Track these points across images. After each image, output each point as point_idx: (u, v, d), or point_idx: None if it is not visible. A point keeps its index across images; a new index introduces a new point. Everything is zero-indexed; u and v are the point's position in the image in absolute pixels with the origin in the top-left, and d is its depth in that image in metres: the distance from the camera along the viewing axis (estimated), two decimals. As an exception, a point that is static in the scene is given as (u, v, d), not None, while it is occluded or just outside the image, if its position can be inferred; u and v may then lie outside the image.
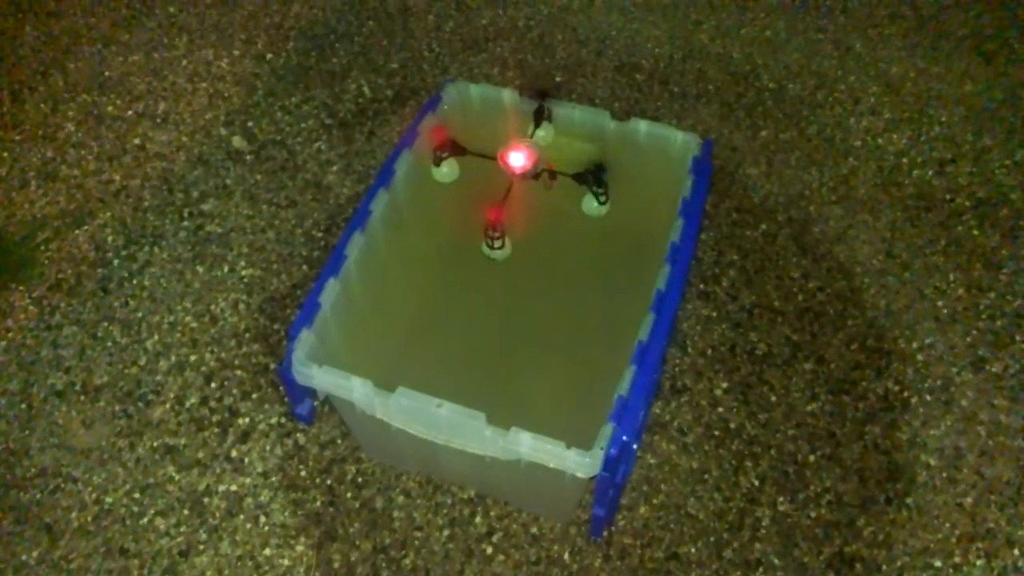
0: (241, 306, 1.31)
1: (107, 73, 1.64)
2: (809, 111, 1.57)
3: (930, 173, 1.47)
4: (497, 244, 1.16)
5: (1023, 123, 1.54)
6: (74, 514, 1.12)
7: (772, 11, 1.75)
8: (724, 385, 1.22)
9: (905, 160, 1.49)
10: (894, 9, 1.75)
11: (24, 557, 1.09)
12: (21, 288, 1.33)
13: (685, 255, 1.08)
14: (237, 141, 1.52)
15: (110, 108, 1.58)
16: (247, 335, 1.28)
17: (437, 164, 1.21)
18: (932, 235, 1.39)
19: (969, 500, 1.12)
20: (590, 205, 1.23)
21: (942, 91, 1.60)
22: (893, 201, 1.44)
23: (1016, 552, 1.08)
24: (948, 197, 1.44)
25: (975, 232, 1.40)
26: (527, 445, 0.92)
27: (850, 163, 1.49)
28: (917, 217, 1.42)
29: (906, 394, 1.21)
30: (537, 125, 1.22)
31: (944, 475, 1.14)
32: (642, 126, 1.20)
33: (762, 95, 1.60)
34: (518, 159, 1.17)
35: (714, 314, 1.30)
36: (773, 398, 1.21)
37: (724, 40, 1.70)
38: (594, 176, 1.21)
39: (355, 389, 0.95)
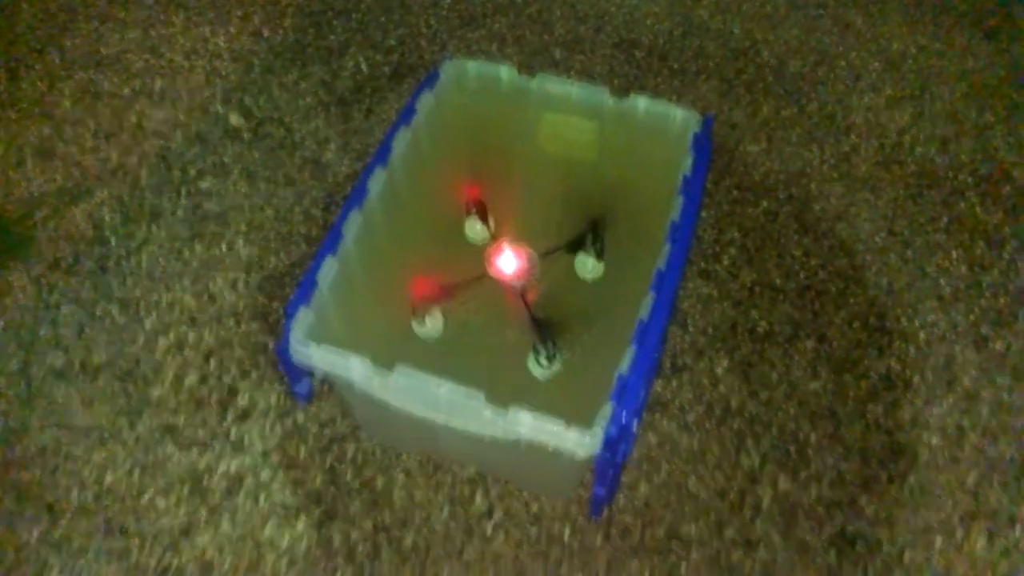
0: (240, 285, 1.30)
1: (104, 50, 1.62)
2: (810, 88, 1.56)
3: (932, 150, 1.46)
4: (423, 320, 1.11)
5: (1026, 100, 1.53)
6: (74, 493, 1.12)
7: (774, -14, 1.73)
8: (725, 364, 1.22)
9: (907, 137, 1.48)
10: (897, -16, 1.73)
11: (25, 536, 1.09)
12: (19, 267, 1.33)
13: (685, 234, 1.07)
14: (234, 118, 1.51)
15: (107, 85, 1.56)
16: (246, 313, 1.27)
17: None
18: (934, 212, 1.39)
19: (971, 479, 1.12)
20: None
21: (944, 68, 1.58)
22: (895, 178, 1.43)
23: (1018, 530, 1.08)
24: (950, 174, 1.43)
25: (977, 210, 1.39)
26: (527, 425, 0.91)
27: (851, 140, 1.48)
28: (919, 194, 1.41)
29: (908, 373, 1.21)
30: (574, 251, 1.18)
31: (946, 454, 1.14)
32: (641, 102, 1.18)
33: (762, 71, 1.58)
34: (509, 263, 1.10)
35: (715, 293, 1.29)
36: (774, 377, 1.21)
37: (724, 16, 1.68)
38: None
39: (353, 368, 0.95)
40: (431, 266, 1.15)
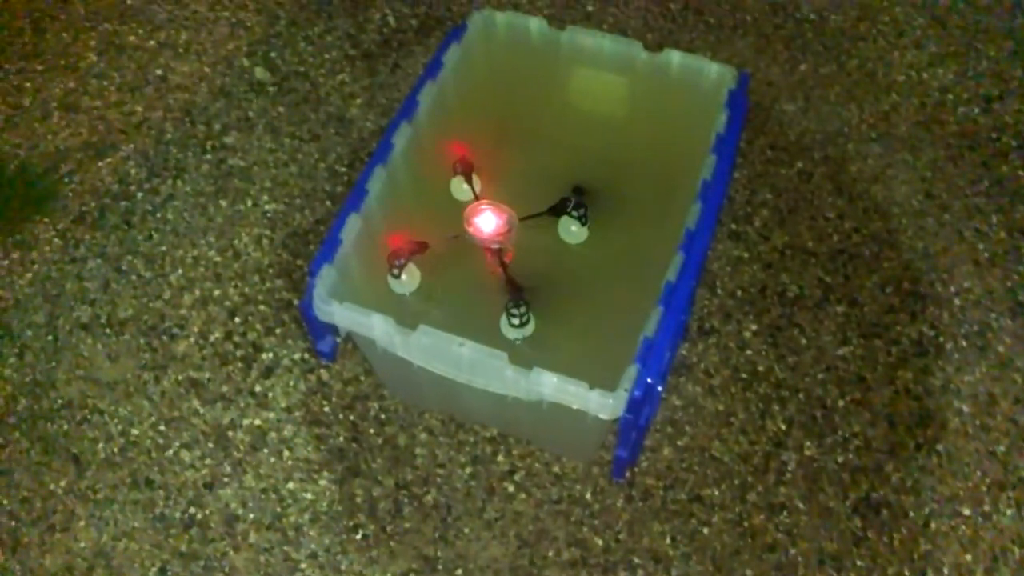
0: (264, 241, 1.30)
1: (128, 1, 1.60)
2: (850, 44, 1.51)
3: (975, 110, 1.41)
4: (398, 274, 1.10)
5: (1076, 58, 1.47)
6: (100, 445, 1.13)
7: (814, -63, 1.67)
8: (753, 327, 1.20)
9: (950, 96, 1.43)
10: (944, -65, 1.66)
11: (52, 487, 1.10)
12: (45, 221, 1.33)
13: (717, 193, 1.04)
14: (260, 72, 1.49)
15: (131, 38, 1.55)
16: (270, 270, 1.27)
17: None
18: (974, 175, 1.34)
19: (1001, 448, 1.10)
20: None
21: (990, 24, 1.52)
22: (935, 139, 1.38)
23: (1048, 501, 1.06)
24: (993, 136, 1.38)
25: (1020, 172, 1.34)
26: (549, 386, 0.90)
27: (892, 99, 1.43)
28: (959, 156, 1.36)
29: (940, 339, 1.18)
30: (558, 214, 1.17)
31: (977, 422, 1.12)
32: (675, 57, 1.15)
33: (801, 27, 1.53)
34: (488, 223, 1.09)
35: (745, 255, 1.27)
36: (803, 341, 1.19)
37: (762, -32, 1.62)
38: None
39: (376, 326, 0.94)
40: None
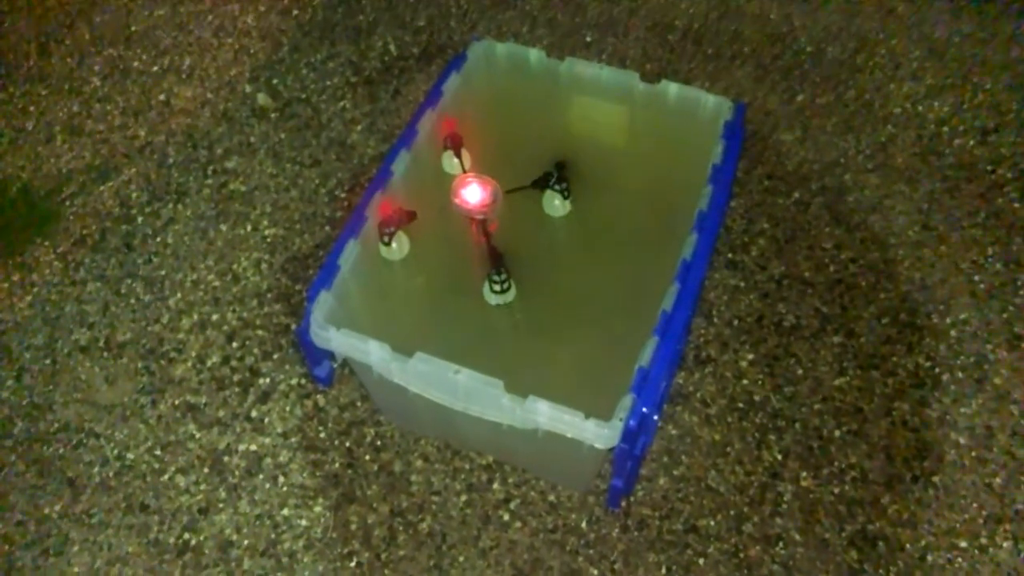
0: (263, 265, 1.31)
1: (133, 27, 1.62)
2: (848, 75, 1.52)
3: (972, 142, 1.42)
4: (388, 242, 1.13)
5: (1072, 91, 1.48)
6: (96, 469, 1.13)
7: (813, -30, 1.69)
8: (750, 357, 1.20)
9: (946, 128, 1.44)
10: (941, -31, 1.68)
11: (47, 510, 1.10)
12: (46, 243, 1.34)
13: (713, 224, 1.05)
14: (262, 98, 1.51)
15: (136, 63, 1.56)
16: (269, 295, 1.27)
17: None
18: (971, 207, 1.35)
19: (999, 481, 1.10)
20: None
21: (987, 56, 1.54)
22: (932, 170, 1.39)
23: (1045, 535, 1.06)
24: (989, 168, 1.39)
25: (1017, 205, 1.35)
26: (545, 414, 0.90)
27: (889, 130, 1.44)
28: (956, 187, 1.37)
29: (937, 371, 1.18)
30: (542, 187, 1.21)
31: (973, 454, 1.12)
32: (672, 88, 1.16)
33: (799, 57, 1.55)
34: (474, 194, 1.13)
35: (742, 284, 1.27)
36: (800, 371, 1.19)
37: (760, 1, 1.64)
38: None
39: (372, 353, 0.94)
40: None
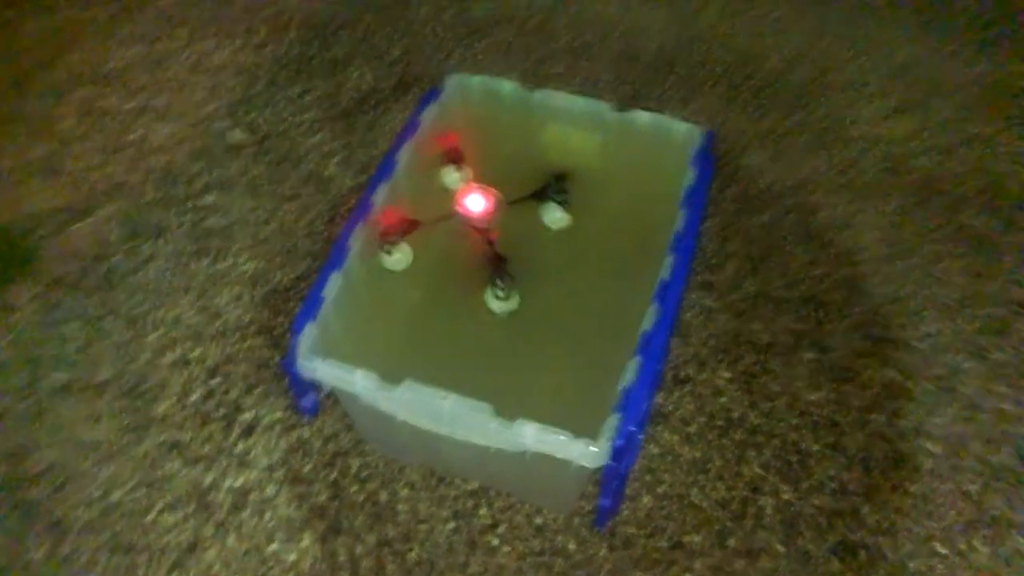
0: (244, 299, 1.31)
1: (108, 66, 1.63)
2: (814, 97, 1.56)
3: (932, 161, 1.46)
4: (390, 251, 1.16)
5: (1023, 112, 1.53)
6: (81, 510, 1.13)
7: (775, -5, 1.73)
8: (727, 375, 1.22)
9: (911, 146, 1.48)
10: (900, -8, 1.73)
11: (31, 555, 1.09)
12: (25, 283, 1.34)
13: (688, 245, 1.07)
14: (238, 134, 1.52)
15: (111, 101, 1.57)
16: (250, 329, 1.28)
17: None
18: (937, 222, 1.38)
19: (973, 487, 1.12)
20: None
21: (947, 78, 1.58)
22: (899, 187, 1.43)
23: (1020, 538, 1.08)
24: (949, 185, 1.43)
25: (976, 220, 1.38)
26: (533, 436, 0.92)
27: (856, 149, 1.48)
28: (922, 204, 1.41)
29: (909, 383, 1.21)
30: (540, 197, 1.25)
31: (948, 462, 1.14)
32: (643, 117, 1.19)
33: (767, 80, 1.59)
34: (477, 203, 1.17)
35: (716, 304, 1.29)
36: (776, 387, 1.21)
37: (729, 23, 1.68)
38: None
39: (359, 382, 0.96)
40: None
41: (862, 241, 1.36)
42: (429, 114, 1.21)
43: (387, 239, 1.13)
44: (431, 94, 1.23)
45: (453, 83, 1.24)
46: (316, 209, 1.42)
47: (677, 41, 1.65)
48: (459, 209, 1.18)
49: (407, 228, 1.15)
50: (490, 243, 1.19)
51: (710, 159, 1.14)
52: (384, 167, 1.15)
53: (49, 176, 1.47)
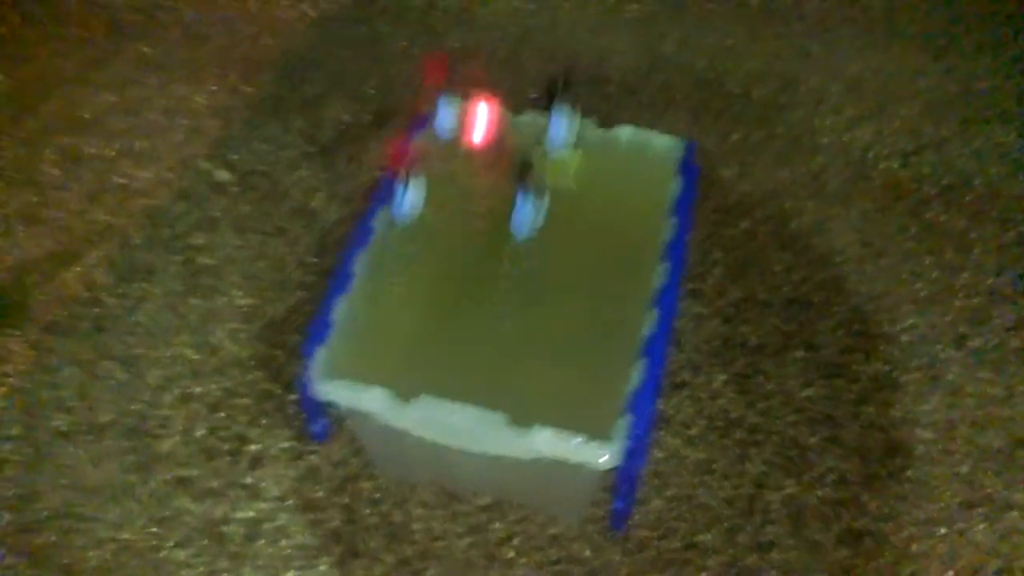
0: (240, 335, 1.32)
1: (82, 114, 1.63)
2: (775, 113, 1.63)
3: (895, 165, 1.54)
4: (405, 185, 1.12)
5: (976, 113, 1.62)
6: (91, 553, 1.11)
7: (732, 21, 1.81)
8: (722, 378, 1.26)
9: (871, 154, 1.56)
10: (846, 12, 1.82)
11: (44, 600, 1.08)
12: (16, 333, 1.32)
13: (679, 252, 1.12)
14: (219, 174, 1.53)
15: (89, 149, 1.57)
16: (250, 363, 1.28)
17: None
18: (903, 223, 1.45)
19: (965, 469, 1.17)
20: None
21: (899, 87, 1.67)
22: (863, 193, 1.50)
23: (1015, 514, 1.13)
24: (914, 186, 1.51)
25: (943, 217, 1.46)
26: (548, 441, 0.94)
27: (819, 159, 1.55)
28: (887, 207, 1.48)
29: (895, 374, 1.26)
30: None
31: (940, 447, 1.19)
32: (625, 132, 1.24)
33: (729, 100, 1.66)
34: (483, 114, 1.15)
35: (705, 311, 1.34)
36: (770, 386, 1.25)
37: (688, 50, 1.75)
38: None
39: (375, 400, 0.97)
40: (438, 296, 1.21)
41: (837, 244, 1.42)
42: (419, 137, 1.24)
43: (407, 166, 1.09)
44: (420, 120, 1.26)
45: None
46: (304, 242, 1.43)
47: (638, 70, 1.71)
48: (466, 134, 1.14)
49: (418, 155, 1.12)
50: (505, 158, 1.14)
51: (694, 169, 1.19)
52: (382, 193, 1.18)
53: (33, 224, 1.46)
